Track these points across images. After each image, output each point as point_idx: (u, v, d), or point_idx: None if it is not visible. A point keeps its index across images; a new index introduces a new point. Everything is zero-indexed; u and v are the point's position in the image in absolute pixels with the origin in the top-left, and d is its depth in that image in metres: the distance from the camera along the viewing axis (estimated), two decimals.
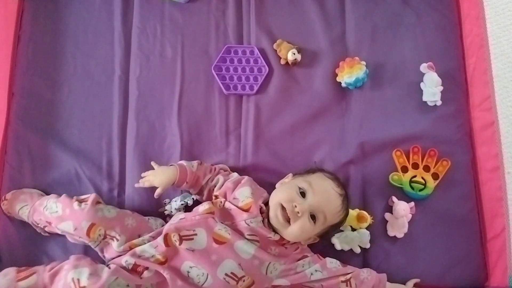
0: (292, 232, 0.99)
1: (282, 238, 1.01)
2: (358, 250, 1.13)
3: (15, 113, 1.20)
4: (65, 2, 1.29)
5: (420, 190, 1.17)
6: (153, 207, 1.14)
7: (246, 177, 1.11)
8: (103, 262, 1.03)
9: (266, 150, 1.21)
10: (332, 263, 1.07)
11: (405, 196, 1.17)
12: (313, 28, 1.29)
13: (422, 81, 1.23)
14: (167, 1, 1.29)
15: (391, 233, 1.15)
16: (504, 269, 1.11)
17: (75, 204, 1.02)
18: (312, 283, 1.03)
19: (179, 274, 0.96)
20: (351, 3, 1.31)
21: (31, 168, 1.16)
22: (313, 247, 1.10)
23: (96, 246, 1.02)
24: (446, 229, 1.17)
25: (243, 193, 1.05)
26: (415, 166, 1.19)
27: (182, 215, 1.05)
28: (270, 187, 1.14)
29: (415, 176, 1.18)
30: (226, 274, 0.95)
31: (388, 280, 1.10)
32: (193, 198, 1.13)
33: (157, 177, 1.09)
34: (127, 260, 0.96)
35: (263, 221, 1.02)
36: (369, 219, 1.14)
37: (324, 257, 1.08)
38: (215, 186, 1.10)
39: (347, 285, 1.04)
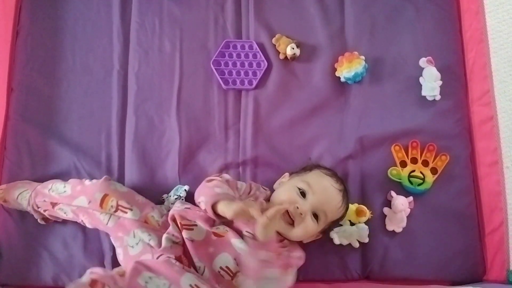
0: (296, 234, 1.00)
1: (278, 235, 1.02)
2: (356, 245, 1.14)
3: (14, 108, 1.20)
4: None
5: (419, 184, 1.17)
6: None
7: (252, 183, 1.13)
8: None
9: (265, 145, 1.21)
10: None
11: (403, 191, 1.18)
12: (312, 22, 1.29)
13: (421, 75, 1.23)
14: None
15: (389, 227, 1.15)
16: (502, 263, 1.12)
17: (87, 181, 1.06)
18: None
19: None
20: None
21: (30, 163, 1.17)
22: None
23: (107, 221, 1.01)
24: (444, 224, 1.17)
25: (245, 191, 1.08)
26: (414, 160, 1.19)
27: (188, 204, 1.06)
28: (269, 182, 1.15)
29: (413, 171, 1.18)
30: (221, 268, 0.95)
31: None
32: (185, 190, 1.13)
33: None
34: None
35: None
36: (368, 214, 1.14)
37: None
38: None
39: None
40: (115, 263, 1.07)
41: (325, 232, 1.09)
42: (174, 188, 1.15)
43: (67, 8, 1.27)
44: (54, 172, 1.16)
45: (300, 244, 1.05)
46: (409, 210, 1.16)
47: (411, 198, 1.16)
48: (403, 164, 1.19)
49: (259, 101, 1.23)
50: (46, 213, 1.07)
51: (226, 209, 0.92)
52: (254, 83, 1.23)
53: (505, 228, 1.12)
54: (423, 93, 1.23)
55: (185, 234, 0.97)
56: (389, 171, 1.18)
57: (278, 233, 1.01)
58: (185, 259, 0.94)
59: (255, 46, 1.25)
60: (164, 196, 1.14)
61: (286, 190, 1.03)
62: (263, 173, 1.18)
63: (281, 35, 1.25)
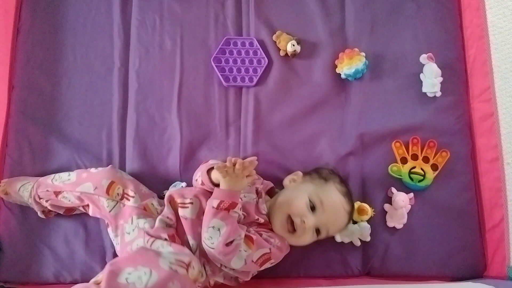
0: (295, 242, 1.03)
1: (266, 223, 1.03)
2: (358, 243, 1.14)
3: (15, 105, 1.20)
4: None
5: (419, 181, 1.17)
6: None
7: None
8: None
9: (265, 142, 1.21)
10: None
11: (404, 187, 1.18)
12: (312, 19, 1.29)
13: (422, 72, 1.23)
14: None
15: (390, 224, 1.16)
16: (503, 259, 1.12)
17: (92, 169, 1.09)
18: None
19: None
20: None
21: (31, 161, 1.17)
22: None
23: (111, 209, 1.03)
24: (445, 220, 1.17)
25: None
26: (415, 157, 1.19)
27: (183, 184, 1.11)
28: (269, 179, 1.16)
29: (414, 167, 1.18)
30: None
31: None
32: (182, 186, 1.14)
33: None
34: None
35: (257, 201, 1.04)
36: (370, 212, 1.14)
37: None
38: None
39: None
40: None
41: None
42: (172, 185, 1.15)
43: (68, 6, 1.27)
44: (55, 169, 1.16)
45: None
46: (409, 206, 1.16)
47: (411, 194, 1.16)
48: (404, 161, 1.19)
49: (259, 98, 1.24)
50: (47, 204, 1.08)
51: (215, 173, 0.95)
52: (255, 80, 1.23)
53: (505, 224, 1.12)
54: (424, 89, 1.22)
55: (180, 212, 0.99)
56: (389, 167, 1.19)
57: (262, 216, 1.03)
58: (177, 238, 0.97)
59: (255, 43, 1.25)
60: (164, 192, 1.14)
61: (297, 197, 1.02)
62: (263, 169, 1.18)
63: (282, 32, 1.25)
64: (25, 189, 1.09)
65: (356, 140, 1.21)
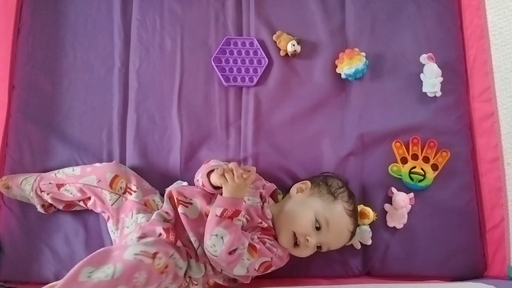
0: (296, 254, 1.04)
1: (269, 228, 1.03)
2: (358, 246, 1.14)
3: (15, 105, 1.20)
4: None
5: (420, 181, 1.17)
6: None
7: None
8: None
9: (266, 142, 1.21)
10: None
11: (404, 187, 1.18)
12: (312, 19, 1.29)
13: (422, 72, 1.23)
14: None
15: (390, 224, 1.16)
16: (503, 259, 1.12)
17: (97, 163, 1.12)
18: None
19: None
20: None
21: (32, 160, 1.17)
22: None
23: (114, 202, 1.04)
24: (445, 220, 1.17)
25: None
26: (415, 157, 1.19)
27: (184, 183, 1.10)
28: (269, 179, 1.16)
29: (414, 167, 1.18)
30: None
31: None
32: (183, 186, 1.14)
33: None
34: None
35: (262, 206, 1.04)
36: (371, 216, 1.13)
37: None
38: None
39: None
40: None
41: None
42: (174, 183, 1.15)
43: (68, 6, 1.28)
44: (55, 169, 1.15)
45: None
46: (410, 206, 1.16)
47: (412, 194, 1.16)
48: (404, 161, 1.19)
49: (260, 98, 1.24)
50: (48, 197, 1.08)
51: (215, 177, 0.95)
52: (255, 80, 1.23)
53: (505, 224, 1.11)
54: (424, 89, 1.22)
55: (180, 209, 0.99)
56: (390, 167, 1.19)
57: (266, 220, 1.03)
58: (172, 232, 0.95)
59: (255, 43, 1.26)
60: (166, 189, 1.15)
61: (304, 216, 1.01)
62: (264, 170, 1.18)
63: (282, 32, 1.26)
64: (27, 182, 1.09)
65: (356, 140, 1.21)
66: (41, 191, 1.08)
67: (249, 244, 0.95)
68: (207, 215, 0.98)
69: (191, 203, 1.01)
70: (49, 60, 1.24)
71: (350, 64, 1.20)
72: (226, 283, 1.02)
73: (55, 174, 1.10)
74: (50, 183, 1.07)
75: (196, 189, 1.06)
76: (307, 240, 1.00)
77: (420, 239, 1.16)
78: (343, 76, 1.23)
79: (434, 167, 1.18)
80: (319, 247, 1.04)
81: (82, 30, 1.26)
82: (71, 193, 1.06)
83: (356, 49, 1.23)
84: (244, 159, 1.20)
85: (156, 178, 1.17)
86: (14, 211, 1.14)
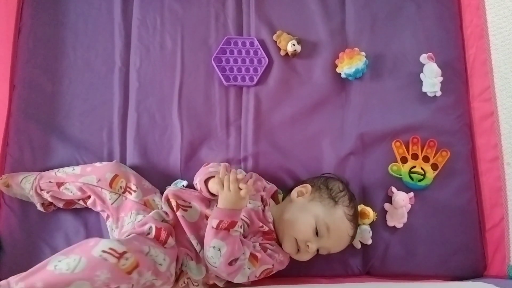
0: (296, 258, 1.05)
1: (270, 231, 1.03)
2: (358, 246, 1.14)
3: (16, 105, 1.20)
4: None
5: (420, 180, 1.17)
6: None
7: (253, 174, 1.14)
8: None
9: (266, 141, 1.21)
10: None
11: (404, 187, 1.18)
12: (312, 19, 1.29)
13: (422, 71, 1.23)
14: None
15: (390, 223, 1.16)
16: (503, 259, 1.12)
17: (97, 163, 1.12)
18: None
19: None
20: None
21: (32, 159, 1.17)
22: None
23: (114, 201, 1.05)
24: (445, 219, 1.17)
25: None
26: (415, 156, 1.19)
27: (184, 182, 1.12)
28: (270, 179, 1.16)
29: (414, 167, 1.18)
30: None
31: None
32: (183, 185, 1.14)
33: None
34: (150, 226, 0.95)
35: (263, 209, 1.04)
36: (372, 216, 1.13)
37: None
38: None
39: None
40: None
41: None
42: (173, 183, 1.15)
43: (69, 5, 1.28)
44: (55, 168, 1.15)
45: None
46: (409, 206, 1.16)
47: (411, 194, 1.17)
48: (404, 160, 1.19)
49: (260, 97, 1.24)
50: (48, 195, 1.08)
51: (213, 185, 0.96)
52: (255, 79, 1.24)
53: (505, 223, 1.12)
54: (424, 89, 1.23)
55: (179, 213, 1.00)
56: (389, 167, 1.19)
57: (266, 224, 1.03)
58: (164, 232, 0.94)
59: (256, 42, 1.26)
60: (167, 187, 1.15)
61: (304, 223, 1.02)
62: (264, 169, 1.18)
63: (282, 31, 1.26)
64: (27, 181, 1.10)
65: (356, 139, 1.21)
66: (41, 190, 1.08)
67: (250, 254, 0.95)
68: (207, 218, 0.98)
69: (190, 207, 1.02)
70: (49, 60, 1.24)
71: (350, 64, 1.20)
72: (226, 285, 1.02)
73: (55, 173, 1.10)
74: (50, 181, 1.07)
75: (194, 192, 1.06)
76: (308, 245, 1.01)
77: (420, 238, 1.16)
78: (343, 75, 1.23)
79: (434, 166, 1.19)
80: (318, 251, 1.05)
81: (82, 29, 1.26)
82: (71, 192, 1.07)
83: (356, 48, 1.23)
84: (244, 158, 1.20)
85: (157, 177, 1.17)
86: (15, 209, 1.14)
